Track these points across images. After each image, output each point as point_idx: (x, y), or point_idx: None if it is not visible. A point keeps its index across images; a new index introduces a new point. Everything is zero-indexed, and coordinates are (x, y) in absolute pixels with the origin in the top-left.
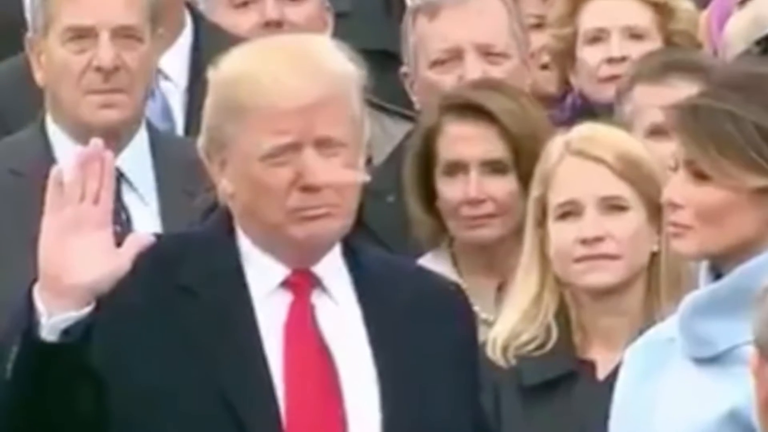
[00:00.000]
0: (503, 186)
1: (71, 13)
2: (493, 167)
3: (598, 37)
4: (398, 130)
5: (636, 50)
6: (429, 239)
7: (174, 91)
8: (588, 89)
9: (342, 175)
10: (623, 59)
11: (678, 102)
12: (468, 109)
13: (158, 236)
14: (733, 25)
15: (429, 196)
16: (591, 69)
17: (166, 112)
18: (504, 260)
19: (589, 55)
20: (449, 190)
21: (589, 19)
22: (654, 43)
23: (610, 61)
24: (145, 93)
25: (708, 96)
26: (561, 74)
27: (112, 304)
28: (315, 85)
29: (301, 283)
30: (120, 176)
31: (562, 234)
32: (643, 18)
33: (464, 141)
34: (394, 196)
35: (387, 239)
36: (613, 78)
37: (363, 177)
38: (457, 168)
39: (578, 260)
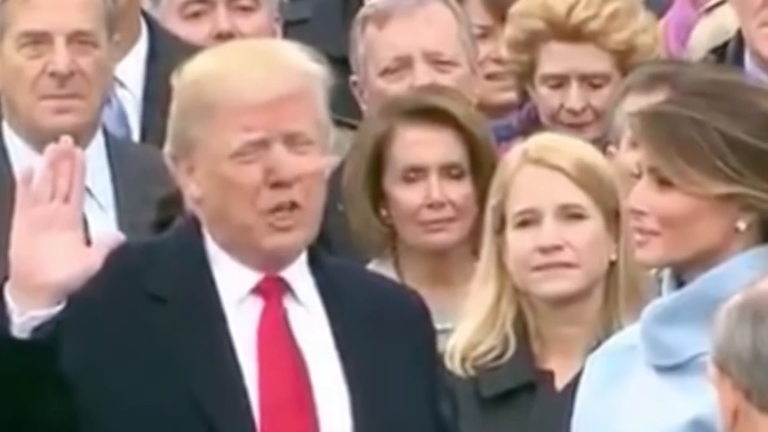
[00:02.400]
0: (461, 190)
1: (26, 18)
2: (451, 171)
3: (557, 83)
4: (348, 140)
5: (596, 97)
6: (375, 247)
7: (130, 99)
8: (546, 122)
9: (310, 166)
10: (583, 109)
11: (642, 109)
12: (422, 113)
13: (127, 244)
14: (699, 32)
15: (375, 203)
16: (551, 110)
17: (122, 120)
18: (450, 269)
19: (549, 96)
20: (407, 194)
21: (547, 63)
22: (614, 86)
23: (570, 110)
24: (101, 98)
25: (673, 103)
26: (519, 87)
27: (84, 314)
28: (281, 79)
29: (272, 289)
30: None
31: (520, 242)
32: (603, 63)
33: (423, 145)
34: (343, 204)
35: (338, 248)
36: (573, 126)
37: (331, 163)
38: (416, 172)
39: (536, 269)
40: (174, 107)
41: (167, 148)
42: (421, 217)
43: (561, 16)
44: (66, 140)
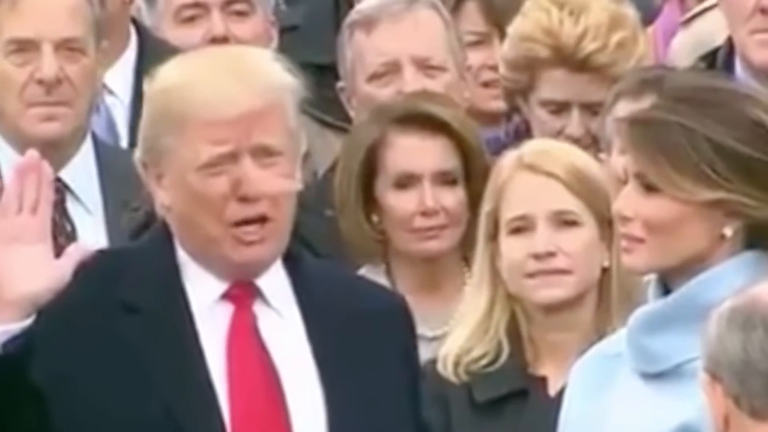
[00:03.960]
0: (454, 197)
1: (14, 25)
2: (445, 178)
3: (557, 108)
4: (337, 143)
5: (596, 122)
6: (367, 253)
7: (118, 106)
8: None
9: (278, 185)
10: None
11: (629, 114)
12: (415, 120)
13: (98, 252)
14: (678, 43)
15: (367, 209)
16: (549, 131)
17: (111, 127)
18: (441, 276)
19: (548, 120)
20: (400, 201)
21: (548, 89)
22: None
23: (569, 136)
24: (89, 106)
25: (660, 109)
26: (510, 102)
27: (55, 322)
28: (252, 93)
29: (242, 295)
30: (65, 188)
31: (513, 249)
32: (606, 91)
33: (416, 152)
34: (332, 210)
35: (325, 253)
36: None
37: (298, 185)
38: (409, 179)
39: (530, 275)
40: (144, 114)
41: (137, 154)
42: (413, 224)
43: (569, 46)
44: (32, 154)
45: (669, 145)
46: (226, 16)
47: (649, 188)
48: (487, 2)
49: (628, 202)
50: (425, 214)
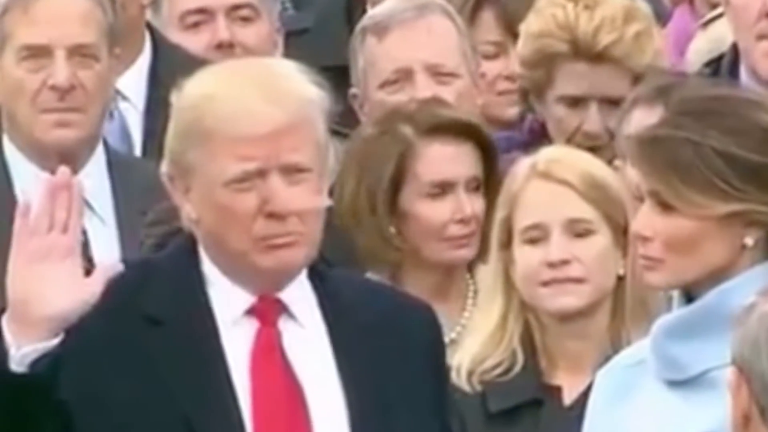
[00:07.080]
0: (481, 203)
1: (27, 31)
2: (474, 184)
3: (574, 102)
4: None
5: (614, 118)
6: (389, 264)
7: (132, 112)
8: (558, 142)
9: (307, 202)
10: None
11: (637, 133)
12: (444, 128)
13: (122, 264)
14: (695, 47)
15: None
16: (566, 131)
17: (125, 133)
18: (452, 283)
19: (566, 116)
20: (434, 211)
21: (566, 84)
22: None
23: (587, 133)
24: (101, 112)
25: (666, 125)
26: (525, 102)
27: (79, 335)
28: (281, 110)
29: (268, 310)
30: None
31: (528, 257)
32: (623, 85)
33: (450, 160)
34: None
35: (335, 264)
36: (588, 148)
37: (327, 202)
38: (444, 188)
39: (544, 283)
40: (171, 127)
41: (164, 167)
42: (447, 232)
43: (586, 39)
44: (63, 171)
45: (678, 162)
46: (231, 22)
47: (666, 207)
48: (503, 11)
49: (646, 221)
50: (463, 221)
